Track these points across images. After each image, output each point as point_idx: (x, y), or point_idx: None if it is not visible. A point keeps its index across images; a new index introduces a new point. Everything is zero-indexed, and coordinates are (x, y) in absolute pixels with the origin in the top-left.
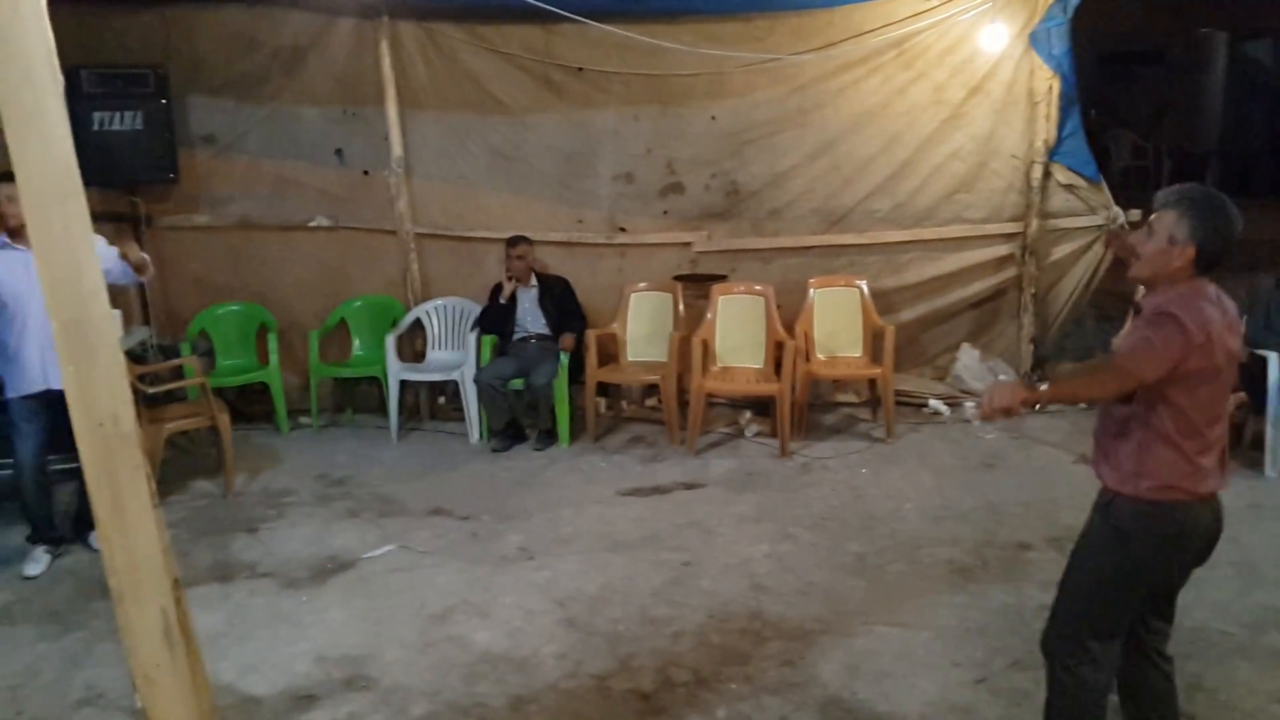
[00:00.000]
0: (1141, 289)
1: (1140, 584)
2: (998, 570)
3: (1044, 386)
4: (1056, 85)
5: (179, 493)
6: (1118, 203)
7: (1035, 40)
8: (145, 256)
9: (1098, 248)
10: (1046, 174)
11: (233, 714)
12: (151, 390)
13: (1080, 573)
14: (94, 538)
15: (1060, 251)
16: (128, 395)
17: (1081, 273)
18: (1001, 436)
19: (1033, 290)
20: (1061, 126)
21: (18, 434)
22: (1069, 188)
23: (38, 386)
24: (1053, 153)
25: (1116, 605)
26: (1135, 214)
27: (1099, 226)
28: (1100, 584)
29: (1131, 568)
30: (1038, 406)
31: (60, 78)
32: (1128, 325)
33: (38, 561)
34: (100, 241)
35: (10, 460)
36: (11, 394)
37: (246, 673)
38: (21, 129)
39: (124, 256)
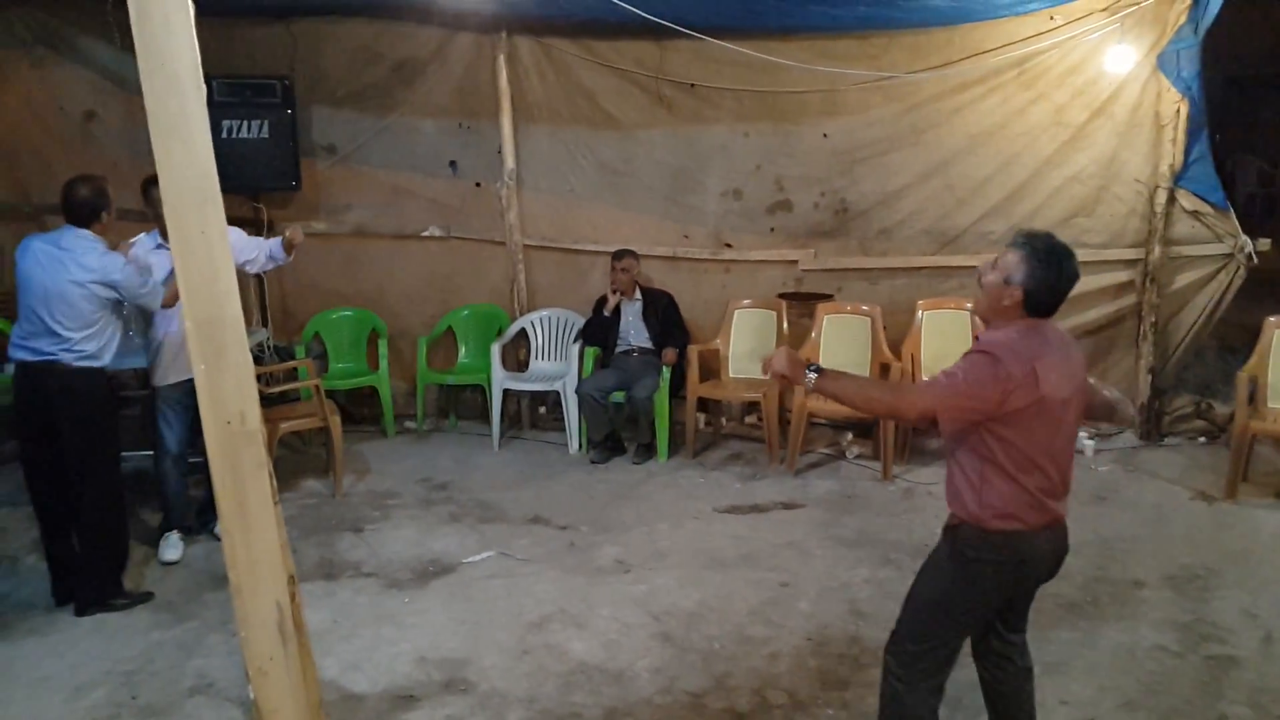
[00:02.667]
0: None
1: (975, 606)
2: (1109, 607)
3: (813, 376)
4: (1184, 109)
5: (289, 491)
6: (1244, 231)
7: (1163, 62)
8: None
9: (1222, 276)
10: (1171, 199)
11: (336, 710)
12: (268, 390)
13: (921, 587)
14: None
15: (1183, 279)
16: (255, 394)
17: (1205, 302)
18: (1115, 469)
19: (1152, 319)
20: (1188, 151)
21: (164, 422)
22: (1194, 214)
23: (184, 374)
24: (1178, 178)
25: (948, 622)
26: (1265, 243)
27: (1225, 255)
28: (937, 600)
29: (967, 589)
30: (810, 385)
31: (204, 87)
32: None
33: (175, 547)
34: (239, 233)
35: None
36: (159, 382)
37: (349, 670)
38: (166, 135)
39: (289, 238)
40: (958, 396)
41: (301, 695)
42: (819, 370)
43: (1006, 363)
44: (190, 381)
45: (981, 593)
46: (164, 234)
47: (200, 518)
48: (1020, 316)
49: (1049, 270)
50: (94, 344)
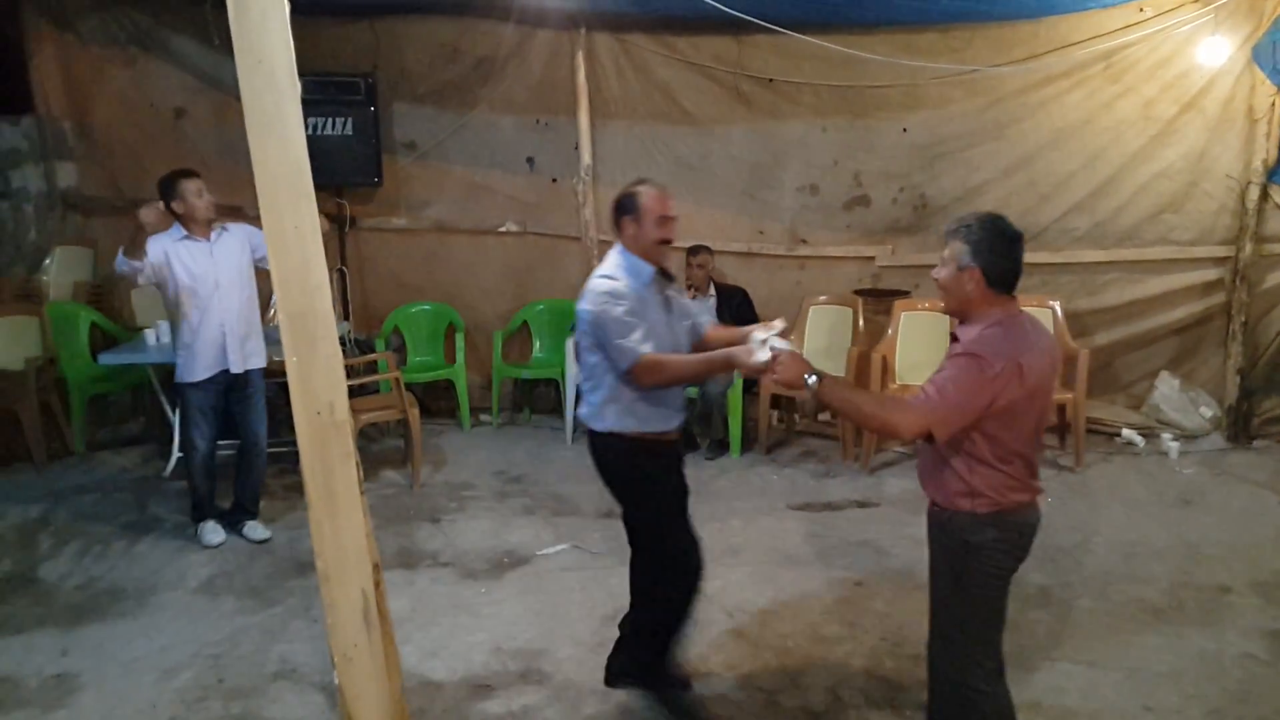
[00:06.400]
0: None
1: (1002, 584)
2: (1195, 613)
3: (813, 383)
4: None
5: (368, 481)
6: None
7: (1258, 54)
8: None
9: None
10: (1264, 196)
11: (415, 697)
12: (349, 382)
13: (947, 595)
14: (250, 529)
15: (1275, 278)
16: (344, 386)
17: None
18: (1201, 472)
19: (1242, 318)
20: None
21: (194, 420)
22: None
23: (215, 369)
24: (1272, 174)
25: (989, 612)
26: None
27: None
28: (967, 597)
29: (988, 573)
30: (809, 392)
31: (298, 85)
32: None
33: (216, 532)
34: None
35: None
36: (187, 378)
37: (428, 658)
38: (262, 131)
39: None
40: (950, 410)
41: (384, 682)
42: (819, 378)
43: (993, 363)
44: (219, 377)
45: (998, 570)
46: (186, 226)
47: (230, 517)
48: (989, 300)
49: (993, 237)
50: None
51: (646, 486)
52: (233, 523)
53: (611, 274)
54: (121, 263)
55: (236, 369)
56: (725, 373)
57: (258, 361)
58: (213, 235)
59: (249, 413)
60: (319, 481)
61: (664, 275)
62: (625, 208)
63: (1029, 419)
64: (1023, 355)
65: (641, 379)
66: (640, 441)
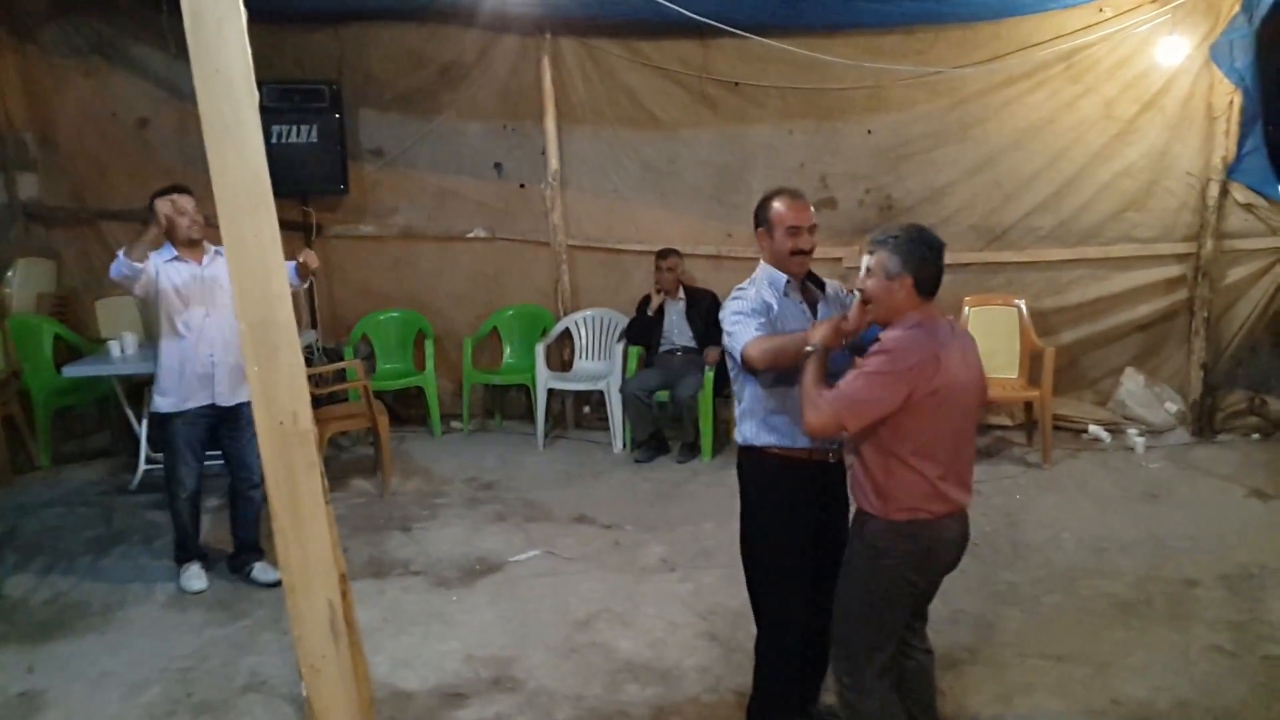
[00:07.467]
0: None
1: (900, 595)
2: (1162, 607)
3: (809, 350)
4: (1238, 100)
5: (337, 490)
6: None
7: (1216, 52)
8: (317, 263)
9: (1277, 270)
10: (1224, 193)
11: (386, 707)
12: (317, 392)
13: (849, 592)
14: (260, 570)
15: (1236, 274)
16: (306, 395)
17: (1259, 296)
18: (1167, 466)
19: (1205, 314)
20: (1242, 143)
21: (181, 455)
22: (1247, 207)
23: (200, 401)
24: (1231, 170)
25: (885, 616)
26: None
27: (1279, 249)
28: (866, 600)
29: (888, 581)
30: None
31: (255, 93)
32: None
33: (199, 577)
34: None
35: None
36: (166, 408)
37: (399, 667)
38: (220, 140)
39: (303, 263)
40: (859, 402)
41: (353, 693)
42: (815, 350)
43: (907, 356)
44: (205, 410)
45: (898, 582)
46: (176, 245)
47: (237, 559)
48: (913, 306)
49: (921, 245)
50: (739, 408)
51: (773, 517)
52: (238, 567)
53: (742, 283)
54: (120, 265)
55: (225, 402)
56: (832, 341)
57: (249, 393)
58: (205, 259)
59: (242, 447)
60: (283, 492)
61: (813, 282)
62: (758, 219)
63: (947, 416)
64: (941, 350)
65: (755, 362)
66: (781, 459)
